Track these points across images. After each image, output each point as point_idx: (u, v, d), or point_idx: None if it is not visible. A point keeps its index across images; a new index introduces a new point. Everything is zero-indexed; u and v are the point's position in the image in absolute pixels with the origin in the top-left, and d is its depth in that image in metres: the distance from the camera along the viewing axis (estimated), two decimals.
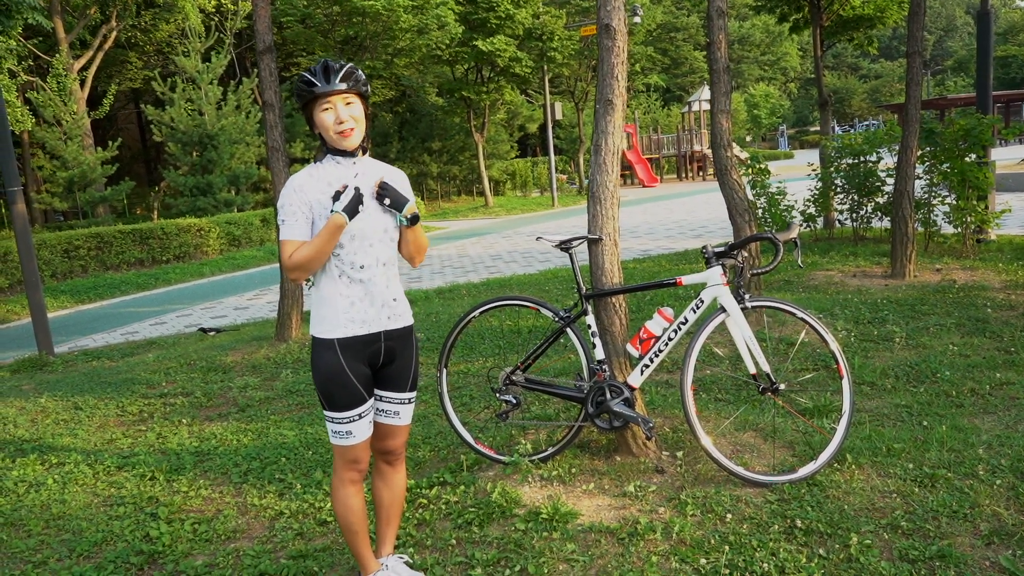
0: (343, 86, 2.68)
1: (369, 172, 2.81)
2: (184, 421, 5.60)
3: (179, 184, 22.06)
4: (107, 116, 27.75)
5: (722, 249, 3.67)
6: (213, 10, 27.89)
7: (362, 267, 2.75)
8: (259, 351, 7.53)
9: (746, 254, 3.71)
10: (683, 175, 39.37)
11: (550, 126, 29.27)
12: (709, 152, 38.36)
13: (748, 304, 3.62)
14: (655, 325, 3.73)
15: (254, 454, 4.68)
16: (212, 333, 9.48)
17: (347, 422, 2.80)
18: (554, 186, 29.51)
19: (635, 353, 3.77)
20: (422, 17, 23.22)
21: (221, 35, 26.89)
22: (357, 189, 2.69)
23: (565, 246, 3.83)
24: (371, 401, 2.85)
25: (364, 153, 2.82)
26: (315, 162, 2.85)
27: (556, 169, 33.72)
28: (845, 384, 3.64)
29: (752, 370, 3.63)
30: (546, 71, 28.91)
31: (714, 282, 3.64)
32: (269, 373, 6.77)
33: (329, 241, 2.67)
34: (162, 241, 18.24)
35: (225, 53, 23.97)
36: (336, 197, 2.67)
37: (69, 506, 4.13)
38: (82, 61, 25.00)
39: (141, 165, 44.47)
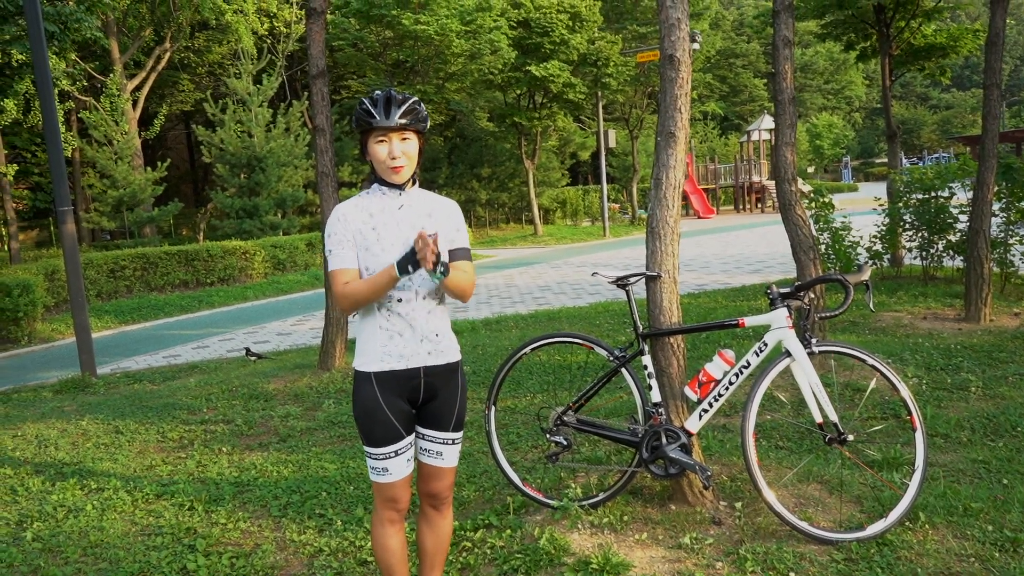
0: (401, 122, 2.71)
1: (415, 204, 2.82)
2: (224, 449, 5.65)
3: (226, 206, 22.55)
4: (157, 136, 28.56)
5: (788, 290, 3.60)
6: (266, 32, 28.65)
7: (400, 300, 2.76)
8: (301, 379, 7.59)
9: (813, 296, 3.63)
10: (740, 207, 39.03)
11: (603, 154, 29.32)
12: (768, 183, 38.00)
13: (815, 349, 3.54)
14: (715, 368, 3.66)
15: (294, 487, 4.69)
16: (254, 359, 9.60)
17: (383, 458, 2.80)
18: (605, 216, 29.48)
19: (693, 397, 3.70)
20: (475, 42, 23.55)
21: (273, 57, 27.60)
22: (413, 252, 2.65)
23: (622, 282, 3.79)
24: (409, 438, 2.84)
25: (413, 184, 2.84)
26: (363, 191, 2.89)
27: (608, 198, 33.74)
28: (918, 436, 3.53)
29: (818, 419, 3.53)
30: (600, 97, 29.02)
31: (779, 324, 3.56)
32: (311, 402, 6.82)
33: (384, 287, 2.70)
34: (207, 263, 18.62)
35: (276, 75, 24.58)
36: (409, 259, 2.64)
37: (107, 534, 4.18)
38: (135, 82, 25.84)
39: (188, 186, 45.66)
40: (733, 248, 20.76)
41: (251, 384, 7.63)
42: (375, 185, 2.83)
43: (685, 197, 38.59)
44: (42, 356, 12.73)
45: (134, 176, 22.19)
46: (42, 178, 26.44)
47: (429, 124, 2.83)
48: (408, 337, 2.77)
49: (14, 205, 24.34)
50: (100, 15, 18.34)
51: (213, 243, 19.56)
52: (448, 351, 2.86)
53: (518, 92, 28.60)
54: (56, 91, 19.54)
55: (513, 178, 33.96)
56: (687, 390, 3.72)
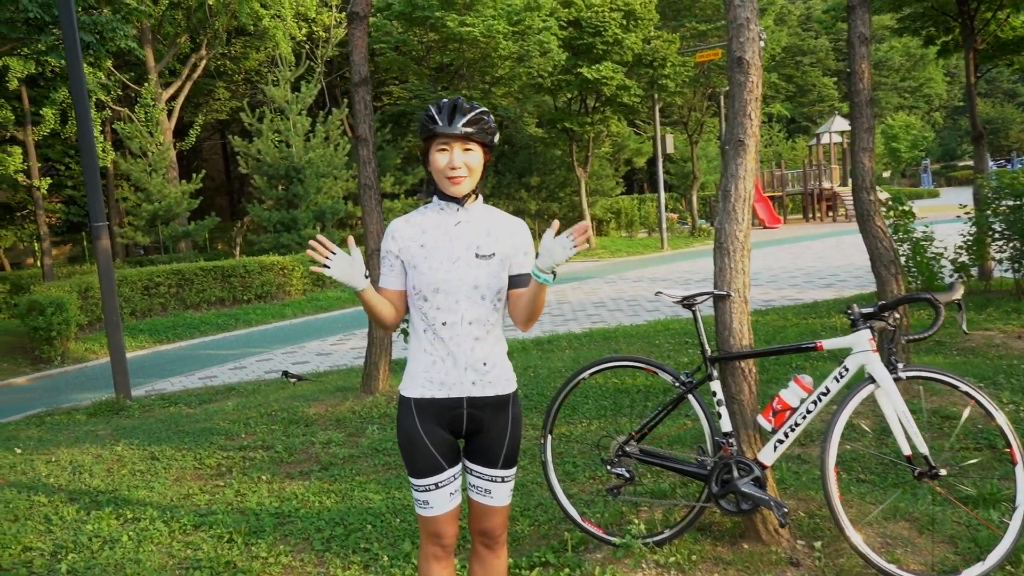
0: (465, 131, 2.71)
1: (474, 221, 2.82)
2: (264, 478, 5.71)
3: (263, 219, 22.92)
4: (192, 148, 29.23)
5: (871, 310, 3.52)
6: (304, 38, 29.14)
7: (444, 324, 2.76)
8: (343, 403, 7.65)
9: (898, 315, 3.54)
10: (810, 215, 38.49)
11: (660, 160, 29.17)
12: (840, 190, 37.41)
13: (901, 374, 3.45)
14: (791, 395, 3.59)
15: (337, 519, 4.72)
16: (294, 380, 9.71)
17: (424, 490, 2.80)
18: (663, 226, 29.31)
19: (767, 426, 3.63)
20: (523, 43, 23.67)
21: (312, 63, 28.07)
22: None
23: (688, 303, 3.75)
24: (452, 471, 2.83)
25: (475, 198, 2.84)
26: (423, 205, 2.90)
27: (666, 207, 33.53)
28: (1019, 471, 3.41)
29: (906, 451, 3.44)
30: (657, 100, 28.91)
31: (861, 348, 3.48)
32: (354, 428, 6.86)
33: (364, 305, 2.79)
34: (244, 280, 18.94)
35: (315, 82, 24.97)
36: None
37: (144, 567, 4.24)
38: (170, 91, 26.48)
39: (224, 198, 46.57)
40: (803, 260, 20.47)
41: (291, 408, 7.72)
42: (434, 199, 2.84)
43: None
44: (75, 377, 13.05)
45: (169, 189, 22.70)
46: (75, 191, 27.17)
47: (496, 138, 2.83)
48: (451, 364, 2.76)
49: (47, 219, 25.06)
50: (135, 23, 18.84)
51: (250, 258, 19.89)
52: (498, 382, 2.82)
53: (569, 96, 28.64)
54: (92, 101, 20.12)
55: (564, 187, 33.93)
56: (760, 419, 3.66)
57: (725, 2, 3.65)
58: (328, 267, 2.68)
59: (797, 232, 31.95)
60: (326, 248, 2.67)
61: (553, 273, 2.64)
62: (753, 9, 3.62)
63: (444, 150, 2.74)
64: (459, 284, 2.75)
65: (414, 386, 2.80)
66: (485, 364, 2.79)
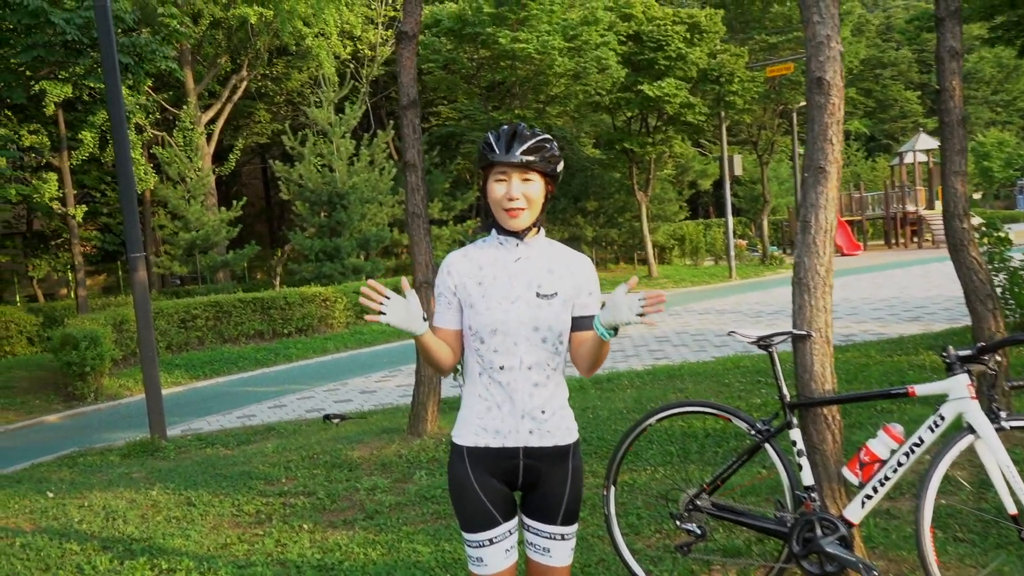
0: (524, 159, 2.72)
1: (535, 257, 2.81)
2: (305, 527, 5.73)
3: (304, 247, 23.27)
4: (231, 172, 29.86)
5: (969, 352, 3.43)
6: (349, 56, 29.68)
7: (502, 368, 2.75)
8: (389, 446, 7.67)
9: (999, 358, 3.44)
10: (893, 241, 37.84)
11: (727, 182, 28.99)
12: (926, 213, 36.76)
13: (1004, 424, 3.34)
14: (880, 445, 3.51)
15: (384, 572, 4.71)
16: (336, 421, 9.77)
17: (477, 546, 2.78)
18: (731, 254, 29.06)
19: (854, 480, 3.55)
20: (579, 60, 23.80)
21: (356, 83, 28.56)
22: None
23: (765, 343, 3.69)
24: (508, 525, 2.80)
25: (536, 232, 2.83)
26: (480, 239, 2.90)
27: (734, 233, 33.28)
28: None
29: (1011, 509, 3.32)
30: (723, 118, 28.81)
31: (959, 394, 3.39)
32: (400, 473, 6.87)
33: (420, 348, 2.76)
34: (284, 312, 19.19)
35: (360, 103, 25.39)
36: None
37: None
38: (210, 114, 27.13)
39: (264, 225, 47.41)
40: (886, 290, 20.11)
41: (333, 451, 7.75)
42: (493, 233, 2.85)
43: None
44: (108, 415, 13.31)
45: (207, 216, 23.18)
46: (111, 219, 27.89)
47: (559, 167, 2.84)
48: (507, 411, 2.75)
49: (82, 248, 25.73)
50: (175, 45, 19.39)
51: (291, 289, 20.17)
52: (557, 432, 2.80)
53: (628, 115, 28.68)
54: (131, 124, 20.68)
55: (623, 212, 33.91)
56: (846, 472, 3.57)
57: (803, 18, 3.62)
58: (384, 314, 2.65)
59: (879, 259, 31.42)
60: (379, 293, 2.65)
61: (615, 329, 2.63)
62: (834, 26, 3.59)
63: (502, 180, 2.75)
64: (518, 325, 2.74)
65: (467, 433, 2.79)
66: (544, 412, 2.77)
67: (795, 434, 3.64)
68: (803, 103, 30.82)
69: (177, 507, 6.47)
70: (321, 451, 7.83)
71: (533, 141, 2.73)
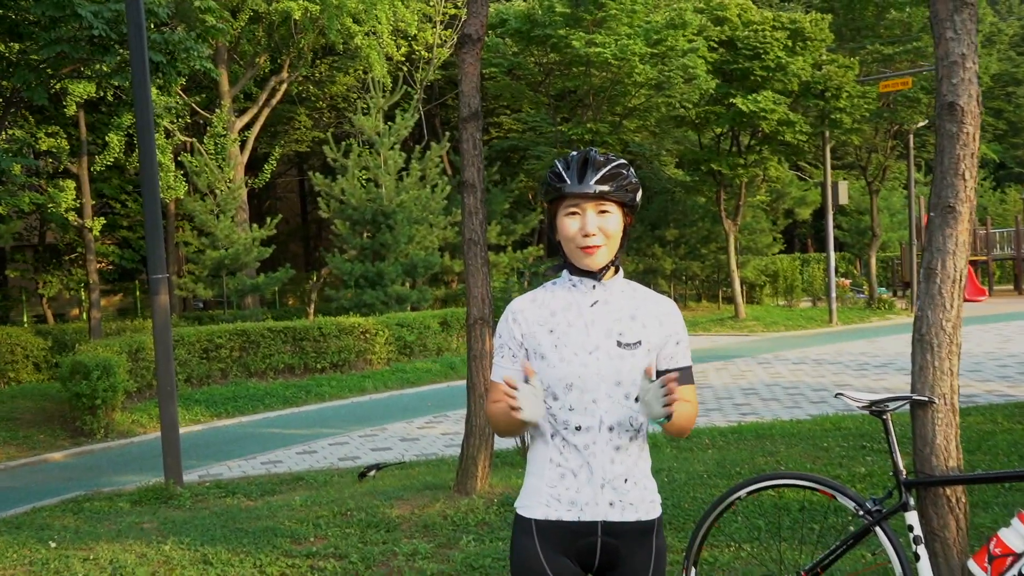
0: (600, 189, 2.71)
1: (614, 301, 2.82)
2: None
3: (343, 272, 23.50)
4: (265, 185, 30.35)
5: None
6: (402, 58, 30.07)
7: (578, 429, 2.73)
8: (433, 505, 7.66)
9: None
10: None
11: (830, 212, 28.68)
12: None
13: None
14: (1014, 536, 3.39)
15: None
16: (372, 473, 9.80)
17: None
18: (832, 295, 28.69)
19: (981, 575, 3.43)
20: (663, 67, 23.83)
21: (409, 89, 28.88)
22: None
23: (878, 408, 3.61)
24: None
25: (615, 272, 2.82)
26: (551, 281, 2.90)
27: (836, 271, 32.88)
28: None
29: None
30: (828, 138, 28.56)
31: None
32: (445, 537, 6.85)
33: (513, 423, 2.72)
34: (318, 344, 19.37)
35: (412, 111, 25.66)
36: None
37: None
38: (245, 119, 27.68)
39: (298, 245, 48.11)
40: (1016, 344, 19.64)
41: (369, 507, 7.77)
42: (564, 274, 2.85)
43: None
44: (119, 454, 13.53)
45: (237, 234, 23.55)
46: (131, 232, 28.50)
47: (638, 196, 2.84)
48: (584, 479, 2.73)
49: (98, 265, 26.28)
50: (211, 42, 19.85)
51: (326, 319, 20.35)
52: (641, 505, 2.78)
53: (718, 132, 28.59)
54: (160, 128, 21.13)
55: (707, 242, 33.72)
56: (972, 565, 3.46)
57: (934, 34, 3.57)
58: (521, 408, 2.62)
59: (1006, 307, 30.74)
60: (510, 386, 2.63)
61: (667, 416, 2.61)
62: (971, 43, 3.53)
63: (575, 214, 2.74)
64: (597, 380, 2.73)
65: (536, 504, 2.76)
66: (627, 480, 2.76)
67: (912, 517, 3.55)
68: (921, 123, 30.51)
69: (192, 565, 6.53)
70: (355, 507, 7.86)
71: (609, 168, 2.73)
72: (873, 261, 33.40)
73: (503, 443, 10.34)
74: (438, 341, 21.65)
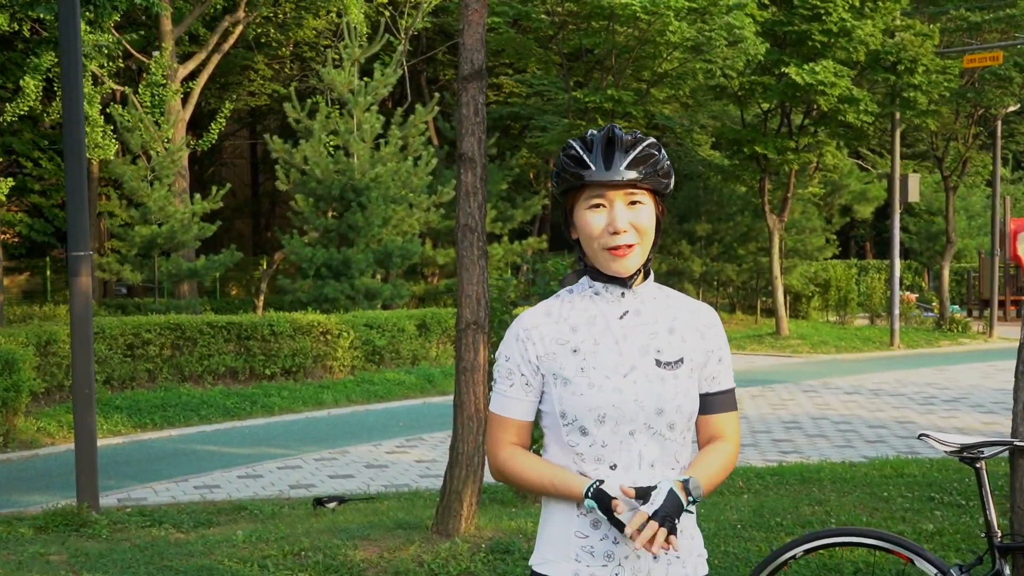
0: (630, 175, 2.67)
1: (647, 311, 2.79)
2: None
3: (302, 258, 23.43)
4: (210, 148, 30.24)
5: None
6: (384, 1, 29.97)
7: (613, 468, 2.71)
8: (406, 548, 7.62)
9: None
10: None
11: (897, 211, 28.72)
12: None
13: None
14: None
15: None
16: (333, 506, 9.75)
17: None
18: (895, 312, 28.72)
19: None
20: (704, 27, 23.78)
21: (392, 38, 28.77)
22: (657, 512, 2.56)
23: (971, 455, 3.60)
24: None
25: (645, 278, 2.80)
26: (564, 287, 2.86)
27: (901, 283, 32.95)
28: None
29: None
30: (898, 121, 28.58)
31: None
32: None
33: (562, 494, 2.71)
34: (267, 345, 19.30)
35: (394, 66, 25.57)
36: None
37: None
38: (190, 66, 27.57)
39: (246, 221, 48.04)
40: None
41: (328, 548, 7.73)
42: (584, 280, 2.81)
43: (1014, 291, 37.10)
44: (22, 468, 13.44)
45: (175, 206, 23.45)
46: (43, 198, 28.33)
47: (672, 182, 2.81)
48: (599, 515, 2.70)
49: (1, 236, 26.14)
50: None
51: (278, 314, 20.27)
52: (688, 559, 2.78)
53: (765, 107, 28.58)
54: (88, 71, 20.98)
55: (746, 241, 33.72)
56: None
57: None
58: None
59: None
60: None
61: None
62: None
63: (599, 206, 2.69)
64: (635, 408, 2.70)
65: (561, 559, 2.74)
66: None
67: None
68: (1012, 108, 30.55)
69: None
70: (311, 547, 7.81)
71: (640, 149, 2.68)
72: (946, 273, 33.44)
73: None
74: (414, 347, 21.58)
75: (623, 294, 2.76)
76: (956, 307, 36.23)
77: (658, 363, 2.73)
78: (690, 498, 2.59)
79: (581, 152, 2.70)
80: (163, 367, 18.39)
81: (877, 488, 9.75)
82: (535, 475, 2.72)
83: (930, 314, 35.02)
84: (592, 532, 2.70)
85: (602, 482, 2.61)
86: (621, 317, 2.75)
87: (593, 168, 2.67)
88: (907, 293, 36.97)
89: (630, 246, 2.68)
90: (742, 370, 22.96)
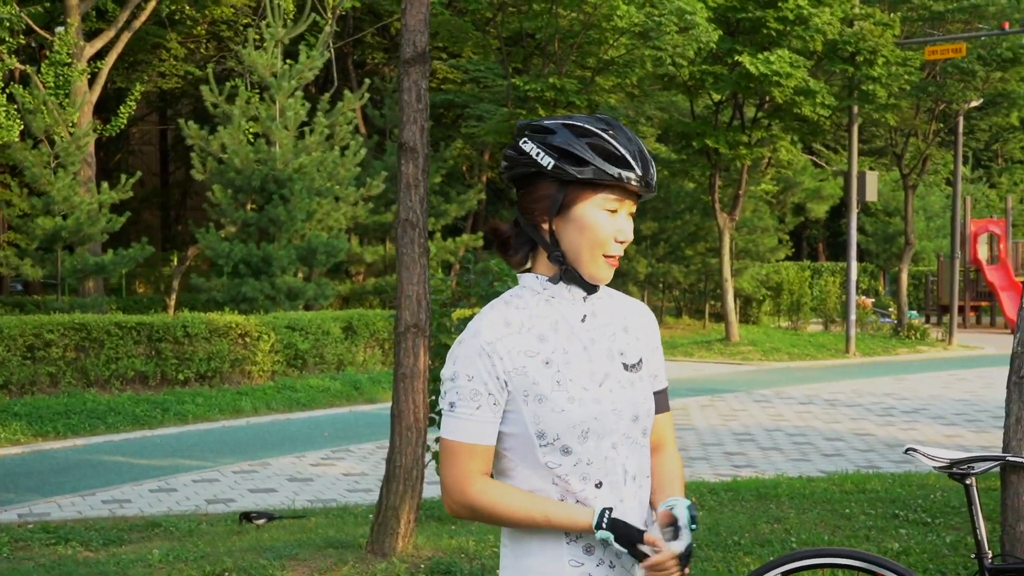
0: (654, 184, 2.73)
1: (602, 314, 2.81)
2: None
3: (218, 254, 23.23)
4: (118, 133, 29.87)
5: None
6: None
7: (599, 486, 2.69)
8: (338, 568, 7.58)
9: None
10: None
11: (854, 210, 29.02)
12: None
13: None
14: None
15: None
16: (261, 522, 9.68)
17: None
18: (851, 317, 29.00)
19: None
20: (653, 11, 23.86)
21: (318, 17, 28.61)
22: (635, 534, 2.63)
23: (961, 471, 3.62)
24: None
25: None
26: (508, 292, 2.81)
27: (857, 287, 33.29)
28: None
29: None
30: (855, 115, 28.88)
31: None
32: None
33: (561, 526, 2.67)
34: (180, 348, 19.11)
35: (320, 48, 25.42)
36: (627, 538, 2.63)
37: None
38: (97, 44, 27.20)
39: (155, 214, 47.55)
40: None
41: (253, 568, 7.66)
42: (532, 281, 2.77)
43: (990, 293, 37.68)
44: None
45: (81, 196, 23.13)
46: None
47: None
48: (614, 548, 2.67)
49: None
50: None
51: (193, 314, 20.10)
52: None
53: (716, 99, 28.76)
54: None
55: (694, 241, 33.94)
56: None
57: None
58: None
59: None
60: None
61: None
62: None
63: (615, 211, 2.70)
64: (615, 418, 2.70)
65: None
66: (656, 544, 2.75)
67: None
68: (974, 103, 30.96)
69: None
70: (234, 567, 7.74)
71: (648, 156, 2.73)
72: (904, 276, 33.85)
73: (433, 491, 10.26)
74: (339, 352, 21.47)
75: (584, 298, 2.76)
76: (914, 313, 36.73)
77: (625, 366, 2.75)
78: (693, 527, 2.63)
79: (622, 150, 2.68)
80: (66, 371, 18.14)
81: (838, 505, 9.83)
82: (519, 508, 2.64)
83: (887, 320, 35.46)
84: (587, 559, 2.67)
85: (611, 509, 2.60)
86: (583, 321, 2.75)
87: (639, 172, 2.68)
88: (863, 298, 37.35)
89: (620, 256, 2.75)
90: (690, 378, 23.11)
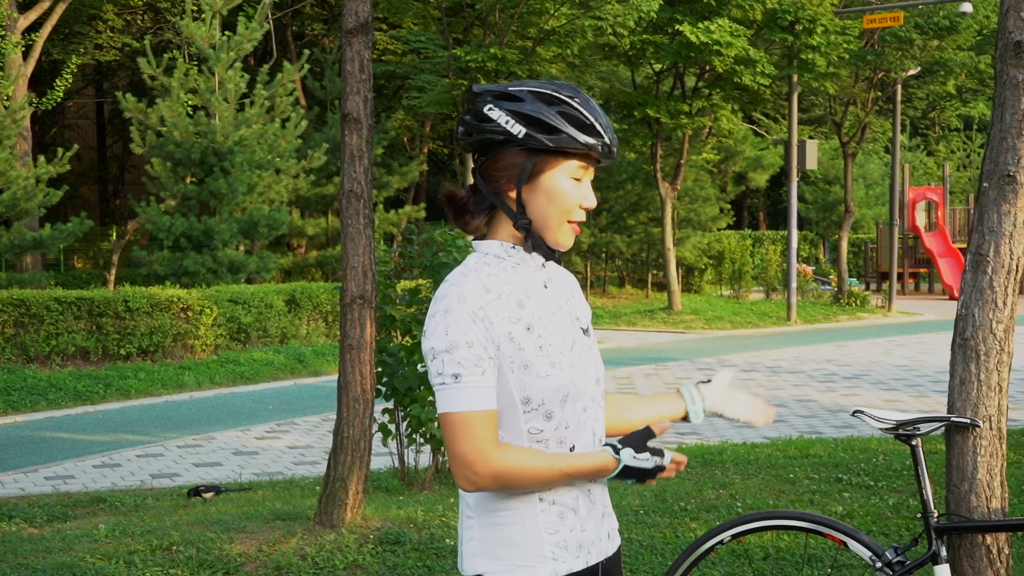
0: (616, 152, 2.79)
1: (555, 280, 2.87)
2: None
3: (158, 228, 23.08)
4: (54, 107, 29.55)
5: None
6: None
7: (572, 449, 2.75)
8: (287, 540, 7.56)
9: None
10: None
11: (794, 179, 29.23)
12: None
13: None
14: None
15: None
16: (209, 495, 9.66)
17: None
18: (792, 285, 29.24)
19: None
20: None
21: None
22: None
23: (907, 432, 3.68)
24: None
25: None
26: (472, 258, 2.81)
27: (798, 256, 33.57)
28: None
29: None
30: (795, 84, 29.06)
31: None
32: None
33: (587, 475, 2.74)
34: (122, 323, 18.98)
35: (259, 19, 25.23)
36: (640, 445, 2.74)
37: None
38: (32, 16, 26.85)
39: (93, 188, 47.08)
40: None
41: (201, 541, 7.63)
42: (498, 247, 2.78)
43: (928, 260, 38.14)
44: None
45: (17, 171, 22.88)
46: None
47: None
48: (585, 511, 2.76)
49: None
50: None
51: (133, 289, 19.98)
52: (616, 525, 2.93)
53: (657, 68, 28.84)
54: None
55: (637, 211, 34.05)
56: None
57: None
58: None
59: None
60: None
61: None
62: None
63: (579, 179, 2.75)
64: (586, 382, 2.79)
65: (538, 562, 2.71)
66: (608, 501, 2.91)
67: (943, 572, 3.63)
68: (912, 71, 31.25)
69: None
70: (181, 540, 7.71)
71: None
72: (844, 244, 34.11)
73: (380, 462, 10.29)
74: (283, 325, 21.41)
75: (544, 264, 2.82)
76: (854, 280, 37.08)
77: (584, 331, 2.84)
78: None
79: (591, 117, 2.71)
80: (5, 347, 18.01)
81: (782, 470, 9.93)
82: (545, 466, 2.64)
83: (827, 288, 35.80)
84: (561, 526, 2.71)
85: (617, 448, 2.71)
86: (545, 287, 2.80)
87: (608, 141, 2.73)
88: (804, 266, 37.69)
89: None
90: (633, 347, 23.26)
